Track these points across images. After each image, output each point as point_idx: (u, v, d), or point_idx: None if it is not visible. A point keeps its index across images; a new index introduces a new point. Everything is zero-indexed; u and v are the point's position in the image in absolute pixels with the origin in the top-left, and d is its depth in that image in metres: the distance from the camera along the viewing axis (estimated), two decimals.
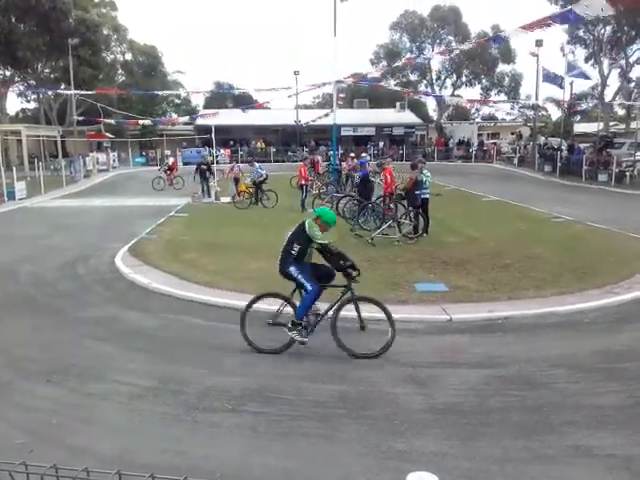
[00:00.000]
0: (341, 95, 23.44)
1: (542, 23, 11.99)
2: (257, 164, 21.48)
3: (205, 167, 22.63)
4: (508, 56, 50.22)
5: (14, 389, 5.49)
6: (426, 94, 45.21)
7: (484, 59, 50.14)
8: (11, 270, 10.56)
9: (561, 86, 32.05)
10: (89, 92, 33.37)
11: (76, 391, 5.44)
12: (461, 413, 4.90)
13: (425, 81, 52.41)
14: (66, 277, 10.09)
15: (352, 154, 25.56)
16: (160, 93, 41.88)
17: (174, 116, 42.20)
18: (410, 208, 12.93)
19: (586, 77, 31.73)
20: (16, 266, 10.84)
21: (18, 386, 5.55)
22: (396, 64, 25.90)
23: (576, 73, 30.85)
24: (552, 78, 31.63)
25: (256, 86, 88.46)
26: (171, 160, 29.12)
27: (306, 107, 56.89)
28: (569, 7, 12.04)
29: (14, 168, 24.30)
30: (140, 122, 35.81)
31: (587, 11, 11.00)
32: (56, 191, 25.30)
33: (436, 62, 51.63)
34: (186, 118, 40.22)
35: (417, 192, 12.84)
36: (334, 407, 5.05)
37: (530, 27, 12.36)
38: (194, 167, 24.31)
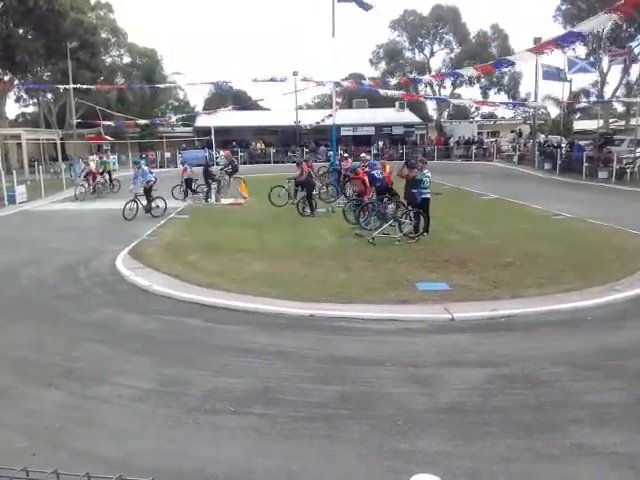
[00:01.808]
0: (338, 100, 23.28)
1: (548, 46, 12.01)
2: (145, 166, 19.07)
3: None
4: (507, 55, 50.16)
5: (16, 393, 5.48)
6: (425, 97, 45.07)
7: (484, 58, 50.05)
8: (12, 273, 10.56)
9: (565, 79, 32.00)
10: (88, 87, 33.31)
11: (78, 394, 5.43)
12: (464, 412, 4.89)
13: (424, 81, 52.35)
14: (67, 280, 10.08)
15: (346, 154, 25.39)
16: (159, 86, 41.86)
17: (173, 119, 42.14)
18: (410, 207, 12.91)
19: (588, 70, 31.65)
20: (17, 269, 10.84)
21: (20, 390, 5.54)
22: (394, 81, 25.88)
23: (578, 68, 30.81)
24: (553, 74, 31.59)
25: (254, 85, 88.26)
26: (92, 165, 24.34)
27: (308, 107, 56.94)
28: (574, 29, 12.04)
29: (14, 172, 24.29)
30: (138, 122, 35.83)
31: (591, 28, 11.00)
32: (56, 194, 25.29)
33: (437, 61, 51.67)
34: (183, 115, 40.31)
35: (414, 191, 12.83)
36: (336, 408, 5.04)
37: (536, 50, 12.39)
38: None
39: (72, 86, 33.75)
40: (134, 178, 18.49)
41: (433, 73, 45.99)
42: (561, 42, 11.66)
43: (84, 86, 32.77)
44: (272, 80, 29.47)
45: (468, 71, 19.24)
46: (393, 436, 4.51)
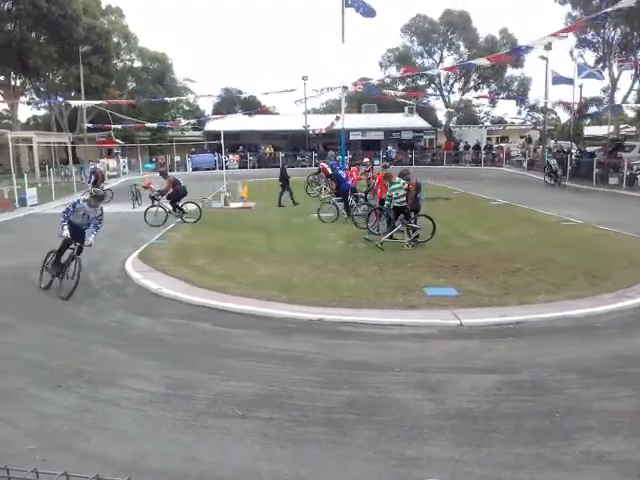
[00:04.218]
0: (344, 105, 23.33)
1: (573, 28, 11.94)
2: None
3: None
4: (517, 60, 49.94)
5: (25, 395, 5.51)
6: (429, 95, 44.93)
7: (493, 64, 49.91)
8: (23, 275, 10.61)
9: (571, 82, 32.13)
10: (98, 102, 33.59)
11: (87, 397, 5.45)
12: (472, 419, 4.87)
13: (433, 85, 52.31)
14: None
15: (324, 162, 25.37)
16: (168, 100, 42.04)
17: (183, 122, 42.29)
18: (413, 214, 12.84)
19: (597, 76, 31.62)
20: (28, 272, 10.88)
21: (29, 392, 5.57)
22: (407, 74, 25.62)
23: (587, 74, 30.76)
24: (561, 79, 31.59)
25: (263, 90, 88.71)
26: None
27: (315, 112, 57.03)
28: (605, 10, 11.94)
29: (25, 175, 24.49)
30: (147, 125, 35.98)
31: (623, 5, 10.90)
32: (67, 197, 25.43)
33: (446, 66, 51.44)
34: (192, 121, 40.38)
35: (418, 196, 12.83)
36: (344, 413, 5.03)
37: (560, 33, 12.26)
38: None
39: (83, 102, 34.10)
40: None
41: (443, 67, 45.55)
42: (591, 21, 11.56)
43: (94, 102, 33.05)
44: (282, 91, 29.55)
45: (481, 61, 18.96)
46: (401, 442, 4.50)
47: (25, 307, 8.65)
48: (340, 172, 17.67)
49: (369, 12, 20.10)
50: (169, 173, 18.83)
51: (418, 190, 12.76)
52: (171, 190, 16.76)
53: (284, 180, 21.31)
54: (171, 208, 16.82)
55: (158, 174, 19.08)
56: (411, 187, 12.73)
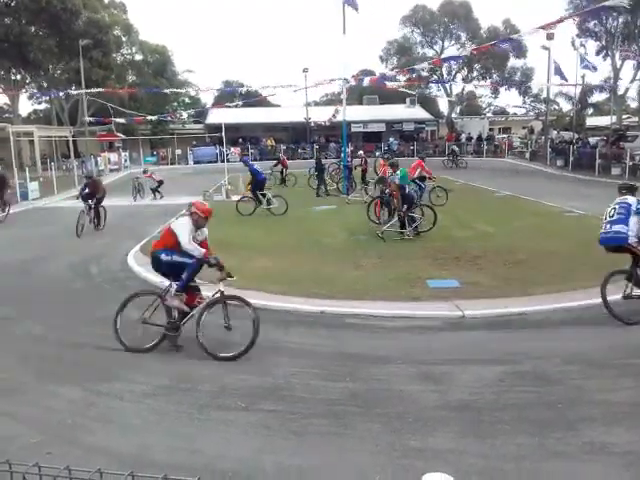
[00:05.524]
0: (345, 97, 23.38)
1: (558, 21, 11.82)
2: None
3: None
4: (519, 49, 49.62)
5: (28, 388, 5.52)
6: (436, 81, 44.58)
7: (495, 54, 49.54)
8: (25, 269, 10.64)
9: (566, 79, 32.19)
10: (99, 89, 33.53)
11: (90, 390, 5.45)
12: (476, 410, 4.86)
13: (435, 76, 52.01)
14: (79, 276, 10.15)
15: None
16: (168, 91, 41.90)
17: (184, 115, 42.16)
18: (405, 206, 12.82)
19: (594, 68, 31.51)
20: (29, 265, 10.92)
21: (32, 385, 5.58)
22: (419, 66, 25.28)
23: (585, 65, 30.72)
24: (561, 72, 31.51)
25: (264, 82, 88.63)
26: None
27: (316, 104, 56.87)
28: (597, 5, 11.81)
29: (27, 168, 24.49)
30: (148, 118, 35.87)
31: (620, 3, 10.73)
32: (68, 191, 25.43)
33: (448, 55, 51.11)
34: (191, 112, 40.22)
35: (408, 192, 12.79)
36: (347, 405, 5.03)
37: (548, 26, 12.16)
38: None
39: (84, 91, 34.00)
40: None
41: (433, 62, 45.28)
42: (585, 17, 11.49)
43: (95, 90, 32.95)
44: (283, 87, 29.45)
45: (464, 51, 19.02)
46: (404, 434, 4.49)
47: (27, 301, 8.65)
48: (255, 167, 17.90)
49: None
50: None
51: (401, 189, 12.72)
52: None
53: (319, 170, 22.10)
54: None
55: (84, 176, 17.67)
56: (394, 193, 12.72)
